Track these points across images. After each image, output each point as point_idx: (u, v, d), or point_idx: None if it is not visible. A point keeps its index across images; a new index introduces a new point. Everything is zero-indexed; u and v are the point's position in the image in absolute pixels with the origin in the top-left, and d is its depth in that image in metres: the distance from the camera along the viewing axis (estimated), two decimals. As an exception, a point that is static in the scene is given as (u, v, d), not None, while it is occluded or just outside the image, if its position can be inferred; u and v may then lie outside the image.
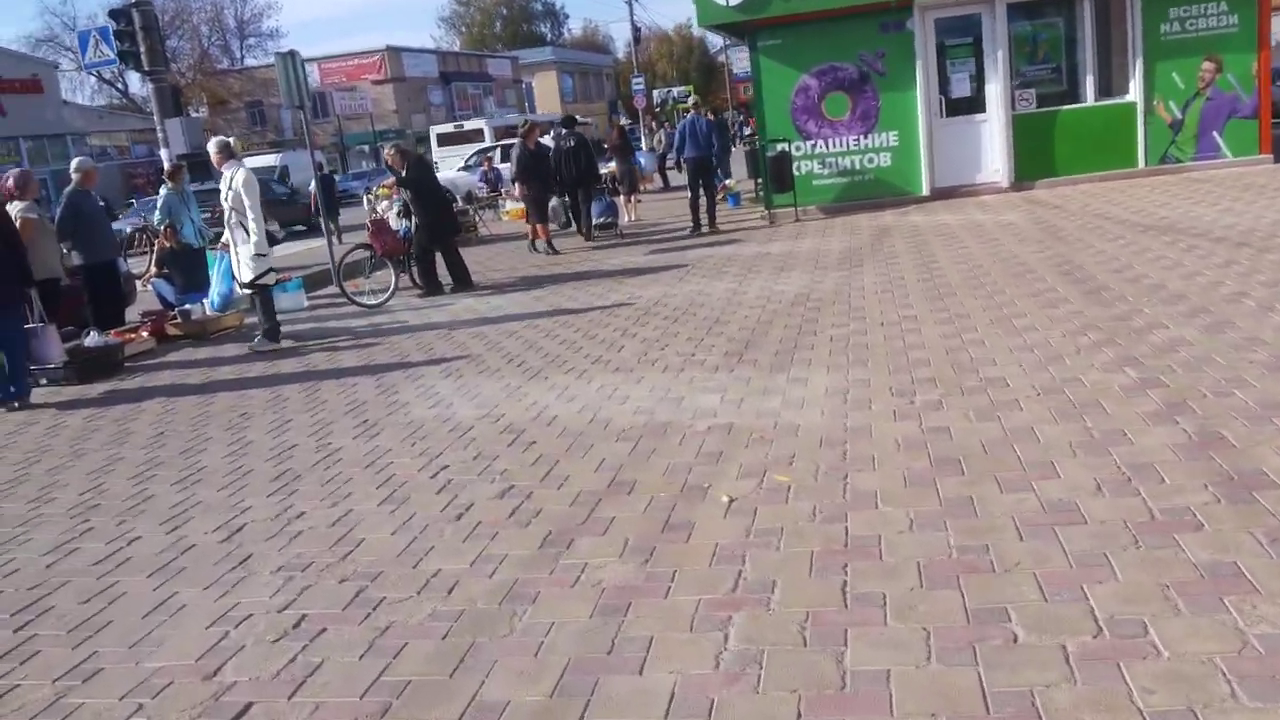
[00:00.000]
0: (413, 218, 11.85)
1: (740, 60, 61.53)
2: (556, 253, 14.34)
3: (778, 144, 14.84)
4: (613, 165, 20.15)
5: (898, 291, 8.55)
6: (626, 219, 17.84)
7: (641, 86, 41.64)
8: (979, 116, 14.74)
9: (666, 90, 58.75)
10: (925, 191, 14.85)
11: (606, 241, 15.13)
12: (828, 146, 15.09)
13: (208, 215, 14.03)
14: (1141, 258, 8.65)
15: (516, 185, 15.09)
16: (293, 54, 12.99)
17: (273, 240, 12.19)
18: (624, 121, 34.37)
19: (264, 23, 58.81)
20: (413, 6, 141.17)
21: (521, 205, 21.20)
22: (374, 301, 11.42)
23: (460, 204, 18.62)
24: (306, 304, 12.19)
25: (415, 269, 12.06)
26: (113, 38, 16.27)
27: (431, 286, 11.79)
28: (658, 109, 48.17)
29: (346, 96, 51.54)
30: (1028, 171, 14.68)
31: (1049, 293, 7.73)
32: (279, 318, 9.97)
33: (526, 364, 7.56)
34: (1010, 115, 14.52)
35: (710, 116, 16.84)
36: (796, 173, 14.84)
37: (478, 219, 18.44)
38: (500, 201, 21.47)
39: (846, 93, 14.90)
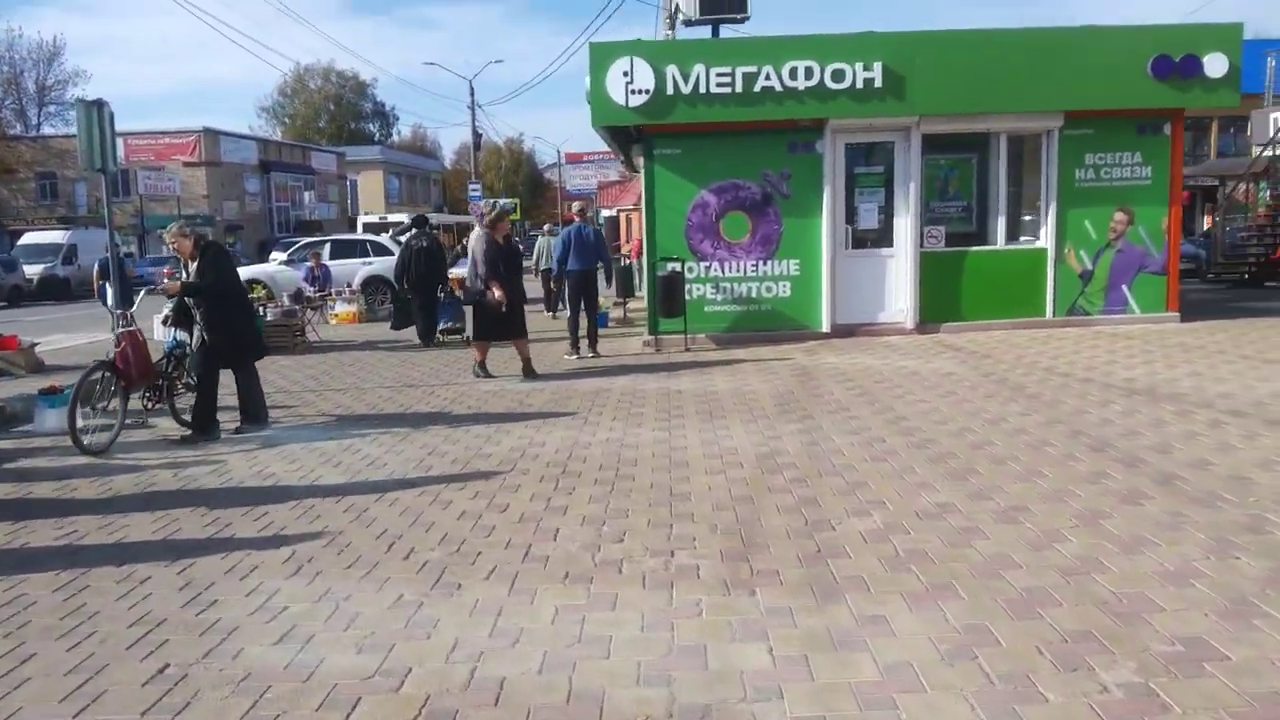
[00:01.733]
0: (193, 329, 8.38)
1: (578, 178, 60.89)
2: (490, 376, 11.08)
3: (669, 263, 12.97)
4: (459, 271, 17.86)
5: (894, 461, 6.58)
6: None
7: (479, 193, 39.69)
8: (885, 250, 13.36)
9: (493, 201, 57.09)
10: (825, 328, 13.24)
11: (453, 349, 12.72)
12: (724, 270, 13.32)
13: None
14: (1165, 430, 7.04)
15: (491, 286, 10.51)
16: (99, 104, 10.16)
17: None
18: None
19: (68, 90, 53.45)
20: (233, 94, 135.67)
21: (352, 309, 18.74)
22: (92, 443, 7.62)
23: (286, 304, 15.75)
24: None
25: (175, 402, 8.60)
26: None
27: (208, 426, 8.12)
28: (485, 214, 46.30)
29: (152, 176, 47.15)
30: (934, 313, 13.34)
31: (1105, 478, 5.92)
32: (36, 440, 7.15)
33: (419, 556, 5.05)
34: (918, 252, 13.21)
35: (595, 225, 14.61)
36: (688, 296, 12.98)
37: (307, 323, 15.61)
38: (329, 304, 18.65)
39: (747, 213, 13.26)
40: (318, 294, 18.15)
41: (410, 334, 15.04)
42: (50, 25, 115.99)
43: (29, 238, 37.72)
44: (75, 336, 18.46)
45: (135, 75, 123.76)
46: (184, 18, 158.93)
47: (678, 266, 12.96)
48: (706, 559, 4.78)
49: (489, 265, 10.49)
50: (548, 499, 6.01)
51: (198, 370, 8.25)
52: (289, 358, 13.85)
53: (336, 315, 18.70)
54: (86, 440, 7.60)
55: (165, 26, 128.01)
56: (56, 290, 34.21)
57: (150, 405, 8.61)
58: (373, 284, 21.61)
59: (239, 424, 8.48)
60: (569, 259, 12.54)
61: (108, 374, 8.07)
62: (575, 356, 12.53)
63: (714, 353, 12.50)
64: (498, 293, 10.43)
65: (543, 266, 19.98)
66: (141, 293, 9.39)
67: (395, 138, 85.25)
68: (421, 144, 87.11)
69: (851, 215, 13.30)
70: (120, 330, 8.37)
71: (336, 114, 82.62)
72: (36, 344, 14.22)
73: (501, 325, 10.75)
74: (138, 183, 46.90)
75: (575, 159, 61.14)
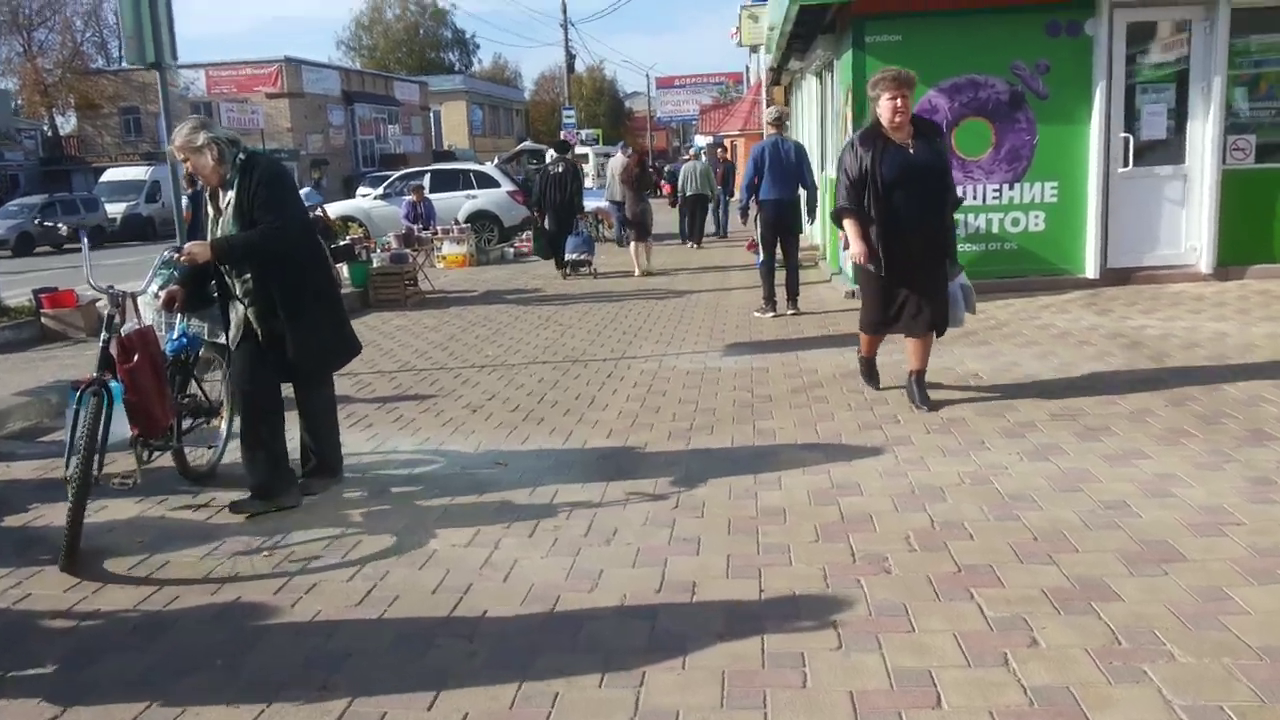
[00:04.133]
0: (226, 311, 4.70)
1: (668, 106, 57.03)
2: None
3: (886, 189, 9.71)
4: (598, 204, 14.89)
5: None
6: (637, 270, 13.67)
7: (573, 120, 36.37)
8: (1170, 169, 9.92)
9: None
10: (1091, 272, 9.90)
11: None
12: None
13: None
14: None
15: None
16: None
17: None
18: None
19: (148, 24, 50.94)
20: (310, 29, 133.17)
21: (462, 250, 15.87)
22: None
23: (394, 246, 12.85)
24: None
25: (184, 445, 4.95)
26: None
27: (277, 486, 4.61)
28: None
29: (235, 109, 44.58)
30: (1236, 252, 9.89)
31: None
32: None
33: None
34: (1219, 170, 9.74)
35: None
36: (910, 232, 9.74)
37: (418, 268, 12.71)
38: (436, 244, 15.75)
39: (989, 120, 9.90)
40: (430, 233, 15.24)
41: (540, 280, 12.19)
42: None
43: (110, 174, 35.58)
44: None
45: (209, 11, 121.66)
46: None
47: (896, 193, 9.70)
48: None
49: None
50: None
51: (244, 387, 4.63)
52: (400, 314, 10.99)
53: (444, 258, 15.82)
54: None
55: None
56: (140, 229, 32.07)
57: (148, 456, 4.60)
58: (479, 220, 18.69)
59: (300, 476, 4.85)
60: (761, 184, 9.35)
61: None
62: (771, 314, 9.44)
63: (954, 307, 9.28)
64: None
65: (688, 193, 17.54)
66: (157, 260, 5.24)
67: (476, 67, 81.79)
68: (503, 73, 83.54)
69: (1131, 121, 9.85)
70: (118, 327, 4.36)
71: (414, 44, 79.33)
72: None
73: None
74: (220, 116, 44.50)
75: (666, 83, 57.29)
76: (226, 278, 4.59)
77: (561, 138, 40.17)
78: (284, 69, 47.01)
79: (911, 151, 5.51)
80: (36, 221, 28.16)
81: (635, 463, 5.12)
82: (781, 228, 9.42)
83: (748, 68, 51.81)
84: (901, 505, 4.28)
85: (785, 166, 9.27)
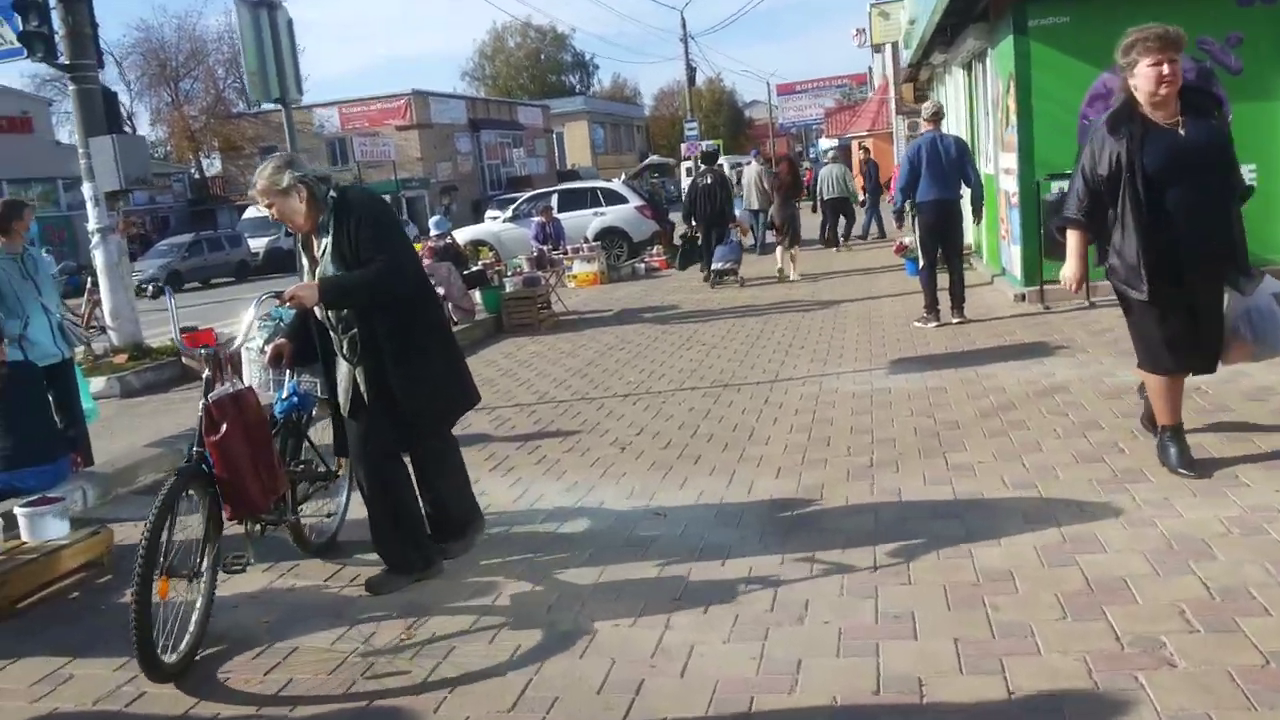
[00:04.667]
0: (331, 369, 4.07)
1: (791, 112, 55.96)
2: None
3: (1058, 181, 8.73)
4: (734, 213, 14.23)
5: None
6: (793, 274, 13.45)
7: (695, 131, 35.73)
8: (1391, 143, 8.64)
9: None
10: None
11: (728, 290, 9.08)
12: (1137, 187, 8.98)
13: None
14: None
15: None
16: (269, 4, 6.92)
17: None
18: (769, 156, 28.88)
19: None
20: (434, 65, 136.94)
21: (592, 268, 15.43)
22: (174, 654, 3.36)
23: (525, 270, 12.46)
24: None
25: (301, 515, 4.28)
26: (13, 12, 10.27)
27: (413, 555, 4.01)
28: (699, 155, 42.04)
29: (368, 142, 45.72)
30: None
31: None
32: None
33: None
34: None
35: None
36: (1086, 229, 8.71)
37: (551, 290, 12.28)
38: (567, 264, 15.34)
39: (1174, 101, 8.81)
40: (560, 253, 14.83)
41: (676, 295, 11.59)
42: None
43: (252, 212, 36.69)
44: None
45: (335, 54, 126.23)
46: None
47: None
48: None
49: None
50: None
51: (363, 463, 3.95)
52: (534, 339, 10.53)
53: (575, 277, 15.39)
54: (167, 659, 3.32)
55: (362, 6, 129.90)
56: (281, 262, 32.92)
57: (260, 530, 3.92)
58: (608, 236, 18.24)
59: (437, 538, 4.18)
60: (919, 183, 8.50)
61: (198, 494, 3.59)
62: (934, 324, 8.57)
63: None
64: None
65: (827, 196, 17.17)
66: (253, 304, 3.96)
67: (596, 88, 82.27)
68: (622, 91, 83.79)
69: (1342, 92, 8.63)
70: (216, 389, 3.63)
71: (536, 70, 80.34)
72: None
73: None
74: (353, 149, 45.71)
75: (787, 90, 56.19)
76: (331, 331, 3.91)
77: (683, 150, 39.69)
78: (412, 101, 48.04)
79: (1183, 133, 4.06)
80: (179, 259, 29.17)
81: (814, 511, 4.40)
82: (944, 230, 8.55)
83: (870, 69, 50.38)
84: (1161, 566, 3.44)
85: (946, 164, 8.39)
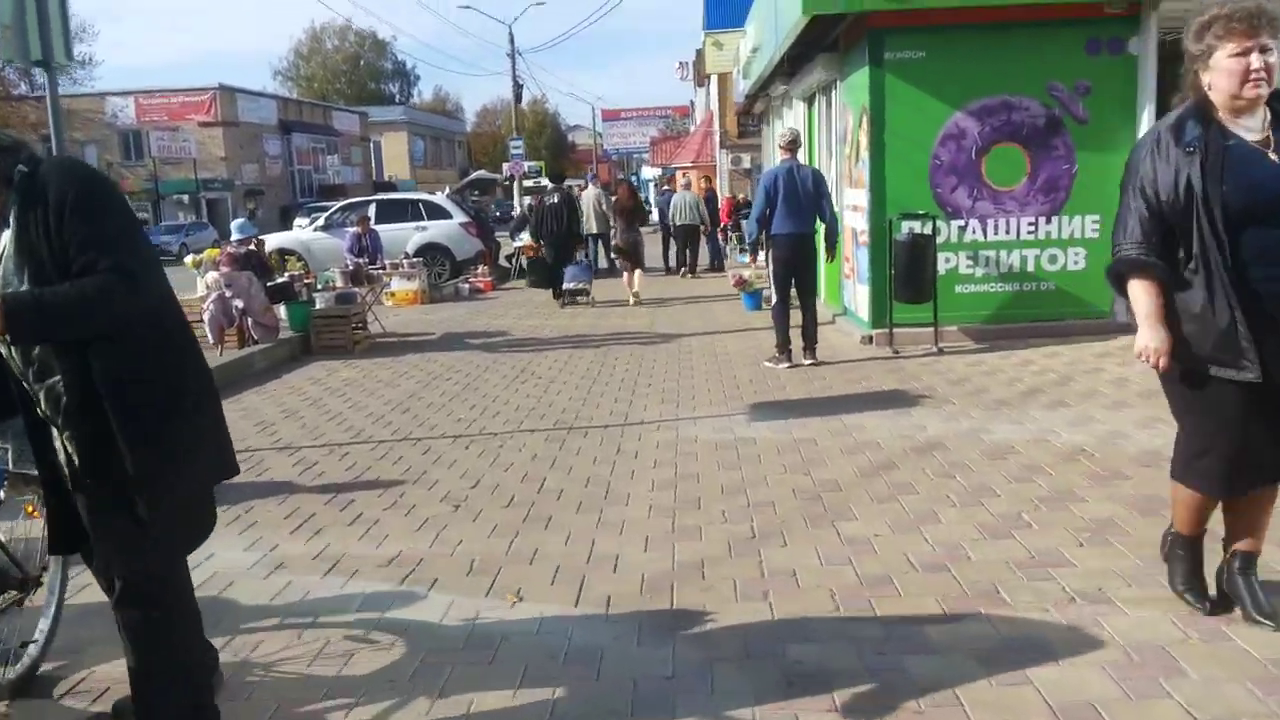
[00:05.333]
0: (15, 430, 2.83)
1: (615, 138, 55.83)
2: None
3: (908, 221, 8.42)
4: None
5: None
6: (631, 299, 13.23)
7: (521, 150, 34.80)
8: (1219, 201, 8.78)
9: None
10: (1127, 316, 8.70)
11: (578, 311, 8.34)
12: (985, 231, 8.79)
13: None
14: None
15: None
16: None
17: None
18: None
19: (75, 48, 48.39)
20: (246, 60, 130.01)
21: (413, 286, 14.33)
22: None
23: (339, 285, 11.22)
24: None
25: None
26: None
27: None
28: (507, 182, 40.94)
29: (166, 137, 42.27)
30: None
31: None
32: None
33: None
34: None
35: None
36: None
37: (368, 308, 11.08)
38: (385, 281, 14.10)
39: (1024, 146, 8.68)
40: (378, 268, 13.60)
41: (503, 319, 10.69)
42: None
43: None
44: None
45: (143, 42, 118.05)
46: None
47: (919, 226, 8.40)
48: None
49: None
50: None
51: (119, 572, 2.55)
52: (348, 363, 9.36)
53: (393, 295, 14.17)
54: None
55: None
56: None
57: None
58: (429, 253, 17.08)
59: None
60: (774, 216, 7.95)
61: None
62: (786, 364, 8.03)
63: (993, 358, 7.98)
64: None
65: (679, 222, 16.95)
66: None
67: (416, 99, 79.87)
68: (443, 105, 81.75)
69: (1179, 149, 8.70)
70: None
71: (355, 75, 77.21)
72: None
73: None
74: (150, 145, 42.16)
75: (612, 116, 56.12)
76: (25, 380, 2.53)
77: (506, 170, 38.62)
78: (218, 96, 44.89)
79: (1275, 157, 2.89)
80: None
81: (698, 600, 3.61)
82: (798, 266, 8.03)
83: (692, 102, 50.96)
84: (1128, 685, 2.84)
85: (802, 196, 7.88)
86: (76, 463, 2.49)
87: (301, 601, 3.73)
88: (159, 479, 2.47)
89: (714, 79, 32.84)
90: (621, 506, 4.71)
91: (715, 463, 5.38)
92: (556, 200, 13.38)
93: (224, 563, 4.12)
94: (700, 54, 39.12)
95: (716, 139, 33.80)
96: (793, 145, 8.12)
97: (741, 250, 20.33)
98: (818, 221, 8.12)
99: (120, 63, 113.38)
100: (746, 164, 32.07)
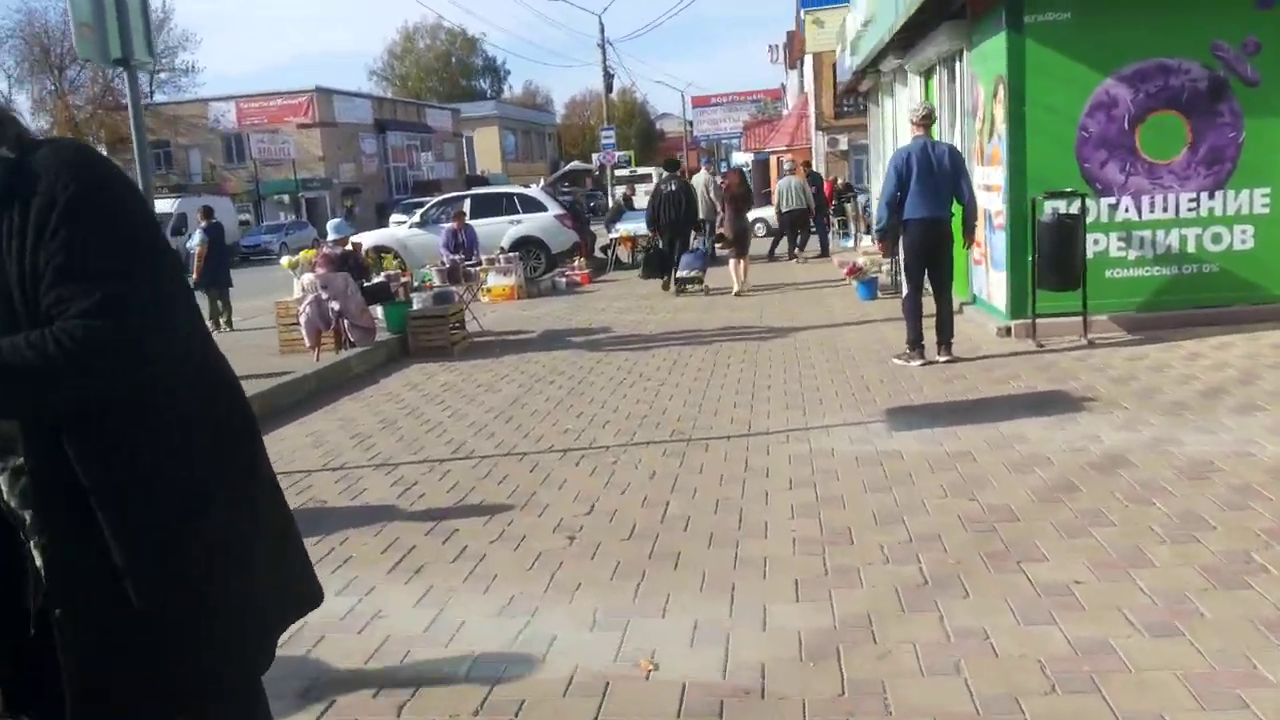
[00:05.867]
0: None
1: (706, 125, 55.04)
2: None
3: (1052, 200, 7.56)
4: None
5: None
6: (735, 286, 12.45)
7: (612, 140, 34.25)
8: None
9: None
10: (1317, 300, 7.71)
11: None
12: (1139, 210, 7.87)
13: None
14: None
15: None
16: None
17: None
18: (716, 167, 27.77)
19: (179, 57, 49.66)
20: (343, 63, 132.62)
21: (509, 281, 13.89)
22: None
23: (437, 284, 10.82)
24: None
25: None
26: None
27: None
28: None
29: (266, 139, 43.04)
30: None
31: None
32: None
33: None
34: None
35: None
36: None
37: (466, 306, 10.64)
38: (481, 278, 13.70)
39: (1183, 114, 7.73)
40: (474, 264, 13.20)
41: (605, 314, 10.16)
42: None
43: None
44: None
45: (243, 52, 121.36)
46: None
47: (1066, 206, 7.52)
48: None
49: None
50: None
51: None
52: (446, 366, 8.90)
53: (490, 290, 13.77)
54: None
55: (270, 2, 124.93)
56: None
57: None
58: (524, 247, 16.63)
59: None
60: (905, 200, 7.18)
61: None
62: (919, 362, 7.26)
63: (1155, 351, 7.08)
64: None
65: (785, 209, 16.55)
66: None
67: (507, 93, 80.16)
68: (533, 98, 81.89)
69: (1367, 110, 7.63)
70: None
71: (446, 72, 77.85)
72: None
73: None
74: (251, 147, 42.97)
75: (702, 102, 55.26)
76: None
77: (597, 160, 38.16)
78: (315, 99, 45.52)
79: None
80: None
81: (872, 670, 2.95)
82: (932, 254, 7.25)
83: (783, 85, 49.75)
84: None
85: (938, 176, 7.08)
86: (43, 576, 1.57)
87: (402, 666, 3.19)
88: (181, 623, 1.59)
89: (808, 60, 31.84)
90: (760, 540, 4.07)
91: (860, 483, 4.69)
92: (674, 188, 13.27)
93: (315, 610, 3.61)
94: (793, 35, 38.08)
95: (812, 121, 32.76)
96: (926, 120, 7.32)
97: (844, 234, 19.47)
98: (954, 204, 7.32)
99: (221, 69, 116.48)
100: (844, 146, 30.97)
